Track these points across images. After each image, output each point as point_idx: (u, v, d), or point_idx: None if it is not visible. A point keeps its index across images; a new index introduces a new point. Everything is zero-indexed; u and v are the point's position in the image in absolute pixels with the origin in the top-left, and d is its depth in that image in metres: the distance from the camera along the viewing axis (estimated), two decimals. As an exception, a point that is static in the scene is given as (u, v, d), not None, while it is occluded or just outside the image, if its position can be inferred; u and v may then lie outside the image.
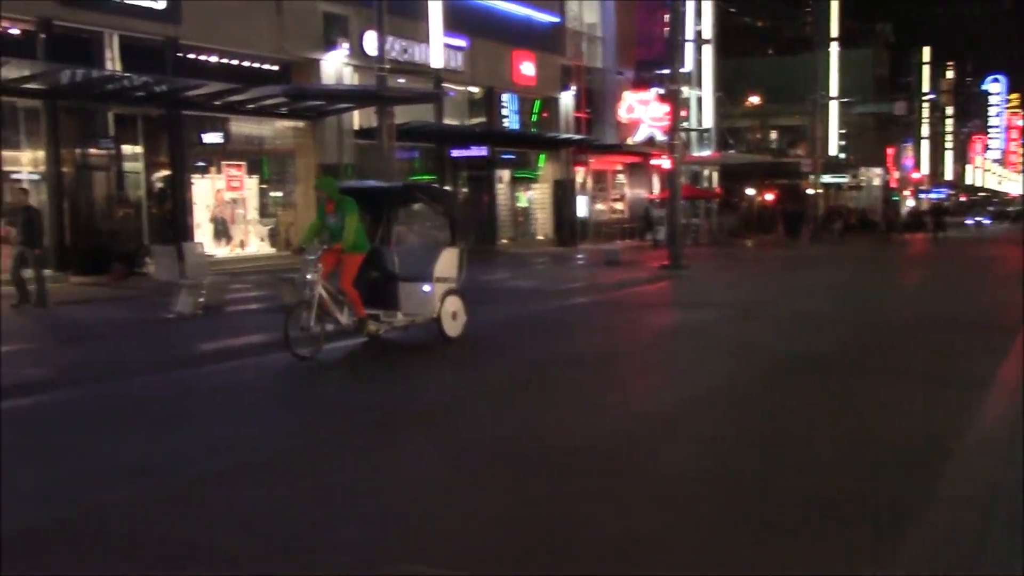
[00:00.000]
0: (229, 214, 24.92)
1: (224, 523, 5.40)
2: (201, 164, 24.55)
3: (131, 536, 5.22)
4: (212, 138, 24.30)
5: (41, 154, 20.61)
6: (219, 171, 24.85)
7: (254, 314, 14.85)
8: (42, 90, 19.92)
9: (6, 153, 21.27)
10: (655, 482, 6.16)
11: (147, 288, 17.35)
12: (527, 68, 34.80)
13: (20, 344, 11.72)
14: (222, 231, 24.69)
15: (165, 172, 23.48)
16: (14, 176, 21.31)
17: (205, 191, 24.24)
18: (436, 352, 11.52)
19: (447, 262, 12.08)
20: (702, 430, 7.59)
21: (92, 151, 22.18)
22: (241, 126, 25.96)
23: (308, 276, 10.74)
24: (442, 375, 10.37)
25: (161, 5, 21.72)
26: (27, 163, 20.97)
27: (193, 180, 23.73)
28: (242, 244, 25.33)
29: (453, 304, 11.96)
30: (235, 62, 24.66)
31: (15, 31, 19.89)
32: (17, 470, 6.49)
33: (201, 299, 14.36)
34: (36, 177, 20.85)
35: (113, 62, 21.45)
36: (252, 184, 25.77)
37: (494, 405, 8.59)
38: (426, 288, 11.76)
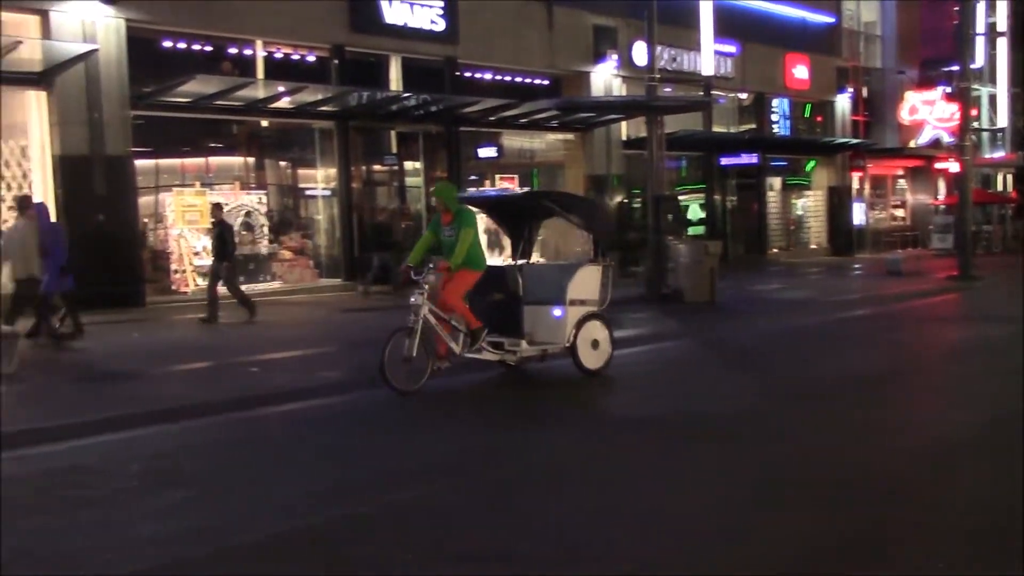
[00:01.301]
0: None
1: (512, 527, 5.54)
2: (475, 177, 25.50)
3: (426, 534, 5.45)
4: (487, 152, 25.15)
5: (333, 171, 22.14)
6: (493, 184, 25.68)
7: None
8: (334, 112, 21.42)
9: (302, 171, 23.13)
10: (956, 510, 5.73)
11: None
12: (800, 71, 33.63)
13: (315, 348, 12.61)
14: (495, 242, 25.45)
15: (443, 186, 24.53)
16: (308, 192, 23.10)
17: (481, 204, 25.13)
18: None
19: (585, 281, 10.37)
20: (1006, 457, 6.97)
21: (377, 167, 23.59)
22: (513, 140, 26.78)
23: (412, 299, 9.45)
24: (719, 386, 10.15)
25: (441, 27, 22.78)
26: (320, 180, 22.63)
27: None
28: (512, 256, 26.00)
29: (593, 331, 10.27)
30: (508, 78, 25.46)
31: (311, 58, 21.51)
32: (316, 468, 6.96)
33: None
34: (328, 193, 22.45)
35: (396, 83, 22.74)
36: (523, 196, 26.44)
37: (769, 424, 8.29)
38: (556, 312, 10.18)
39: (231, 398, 9.35)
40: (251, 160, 22.36)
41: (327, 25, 20.85)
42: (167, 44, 19.40)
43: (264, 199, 21.07)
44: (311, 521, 5.66)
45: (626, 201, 28.25)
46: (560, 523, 5.59)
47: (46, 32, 16.94)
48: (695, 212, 31.61)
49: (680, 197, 30.72)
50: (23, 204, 13.05)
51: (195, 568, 5.01)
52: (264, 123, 22.00)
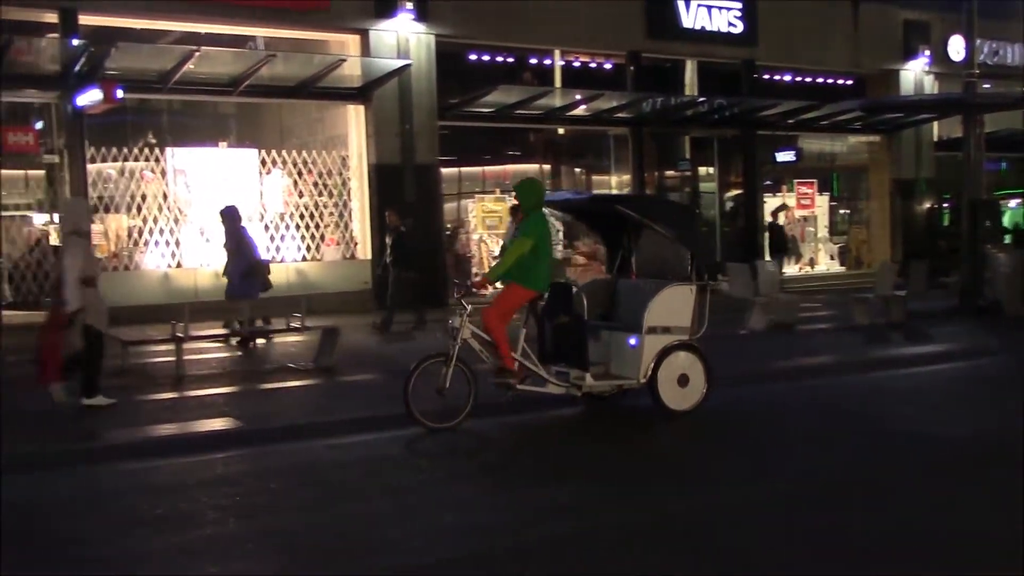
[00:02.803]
0: (799, 232, 24.84)
1: (795, 542, 5.36)
2: (769, 183, 24.81)
3: (712, 544, 5.37)
4: (784, 156, 24.42)
5: (626, 177, 22.31)
6: (790, 189, 24.90)
7: (824, 333, 14.59)
8: (629, 118, 21.56)
9: (595, 177, 23.45)
10: None
11: (719, 304, 17.87)
12: None
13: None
14: (792, 249, 24.66)
15: (737, 191, 24.12)
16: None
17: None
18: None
19: (669, 304, 8.65)
20: None
21: (669, 173, 23.49)
22: (812, 143, 25.83)
23: (450, 321, 8.45)
24: None
25: (739, 29, 22.35)
26: (614, 186, 22.85)
27: (765, 198, 24.07)
28: (811, 263, 25.09)
29: (680, 364, 8.65)
30: (808, 79, 24.59)
31: (608, 66, 21.79)
32: (598, 471, 7.00)
33: (772, 316, 14.46)
34: (621, 199, 22.63)
35: (692, 88, 22.55)
36: (822, 201, 25.44)
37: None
38: (631, 341, 8.68)
39: (529, 400, 9.50)
40: (547, 167, 22.95)
41: (624, 32, 21.02)
42: (472, 57, 20.32)
43: (559, 205, 21.53)
44: (597, 522, 5.73)
45: (935, 206, 26.47)
46: (844, 541, 5.31)
47: (365, 50, 18.23)
48: (1015, 217, 29.01)
49: (1000, 202, 28.36)
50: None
51: (495, 561, 5.17)
52: (560, 131, 22.52)
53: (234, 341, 13.07)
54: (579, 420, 9.03)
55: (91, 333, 8.85)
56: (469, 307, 8.38)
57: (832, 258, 25.78)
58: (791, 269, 23.76)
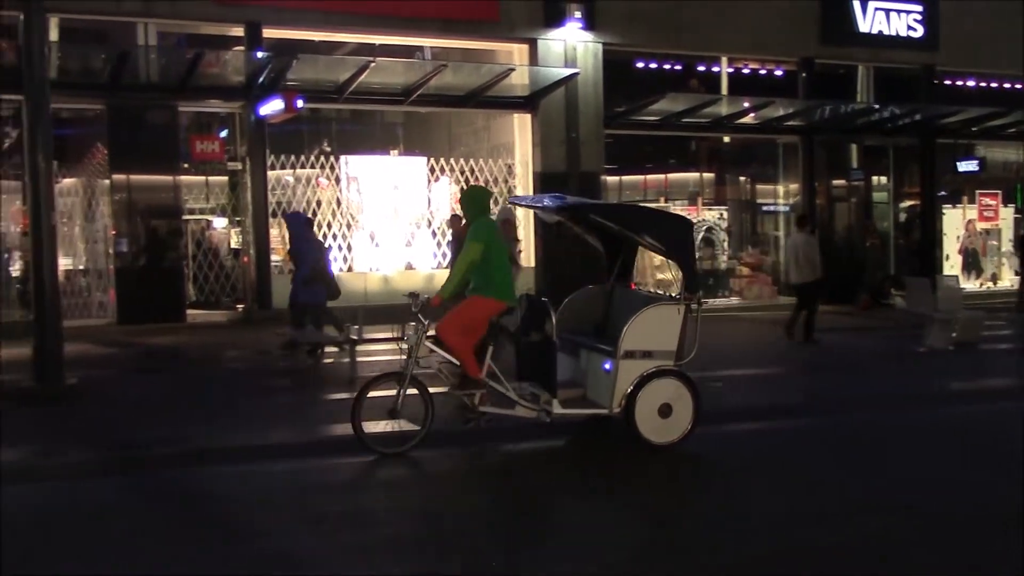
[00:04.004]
0: (981, 246, 23.59)
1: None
2: (943, 193, 23.63)
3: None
4: (967, 166, 23.23)
5: (794, 186, 21.68)
6: (971, 200, 23.67)
7: (1007, 354, 13.80)
8: (800, 126, 20.96)
9: (760, 187, 22.88)
10: None
11: (893, 319, 17.21)
12: None
13: (771, 369, 12.36)
14: (972, 264, 23.46)
15: (912, 202, 23.10)
16: (765, 208, 22.80)
17: (955, 221, 23.31)
18: None
19: (652, 326, 7.84)
20: None
21: (839, 182, 22.67)
22: (996, 152, 24.50)
23: (405, 336, 7.85)
24: None
25: (919, 33, 21.44)
26: (780, 195, 22.25)
27: (943, 210, 22.98)
28: (994, 278, 23.77)
29: (663, 393, 7.83)
30: (993, 85, 23.32)
31: (779, 72, 21.23)
32: (760, 496, 6.79)
33: (953, 334, 13.77)
34: (785, 209, 22.01)
35: (866, 94, 21.74)
36: (1007, 214, 24.05)
37: None
38: (606, 366, 7.90)
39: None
40: (709, 176, 22.55)
41: (796, 38, 20.45)
42: (638, 64, 20.16)
43: (724, 215, 21.16)
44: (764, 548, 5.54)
45: None
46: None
47: (533, 59, 18.37)
48: None
49: None
50: (801, 221, 15.22)
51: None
52: (726, 139, 22.10)
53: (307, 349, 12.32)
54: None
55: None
56: (427, 321, 7.82)
57: (1016, 274, 24.33)
58: (971, 284, 22.59)
